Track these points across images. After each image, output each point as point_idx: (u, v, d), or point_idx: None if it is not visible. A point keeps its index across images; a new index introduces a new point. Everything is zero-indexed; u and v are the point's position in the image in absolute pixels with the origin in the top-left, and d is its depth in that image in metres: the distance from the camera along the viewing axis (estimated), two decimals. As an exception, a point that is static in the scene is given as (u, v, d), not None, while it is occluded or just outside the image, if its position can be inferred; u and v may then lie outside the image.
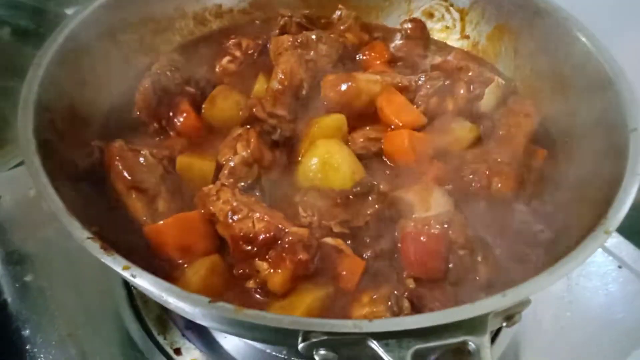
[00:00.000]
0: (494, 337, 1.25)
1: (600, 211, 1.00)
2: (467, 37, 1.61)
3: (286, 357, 1.20)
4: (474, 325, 0.80)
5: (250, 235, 0.99)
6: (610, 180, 1.06)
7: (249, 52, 1.53)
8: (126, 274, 0.82)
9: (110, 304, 1.29)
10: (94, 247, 0.85)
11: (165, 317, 1.24)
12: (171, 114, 1.29)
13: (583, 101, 1.29)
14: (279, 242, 0.98)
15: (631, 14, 1.59)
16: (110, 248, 0.86)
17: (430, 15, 1.65)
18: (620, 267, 1.40)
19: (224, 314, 0.78)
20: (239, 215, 1.01)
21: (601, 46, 1.27)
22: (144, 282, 0.81)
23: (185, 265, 1.03)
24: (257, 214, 1.01)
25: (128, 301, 1.28)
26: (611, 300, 1.35)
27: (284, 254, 0.96)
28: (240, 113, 1.27)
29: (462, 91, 1.37)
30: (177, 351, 1.20)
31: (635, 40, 1.52)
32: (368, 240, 1.09)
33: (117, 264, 0.83)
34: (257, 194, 1.17)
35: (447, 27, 1.63)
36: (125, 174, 1.10)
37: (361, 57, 1.54)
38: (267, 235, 0.98)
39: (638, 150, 1.04)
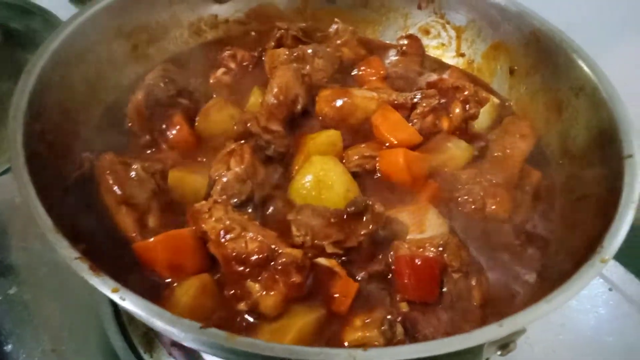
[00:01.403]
0: (485, 361, 1.24)
1: (596, 236, 1.00)
2: (463, 54, 1.60)
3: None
4: (469, 354, 0.79)
5: (243, 256, 0.97)
6: (605, 205, 1.06)
7: (244, 64, 1.52)
8: (115, 297, 0.80)
9: (95, 319, 1.26)
10: (83, 268, 0.83)
11: (151, 334, 1.22)
12: (164, 126, 1.26)
13: (578, 124, 1.29)
14: (272, 263, 0.96)
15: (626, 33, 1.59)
16: (99, 268, 0.84)
17: (427, 32, 1.64)
18: (610, 289, 1.40)
19: (215, 340, 0.76)
20: (232, 235, 0.99)
21: (598, 69, 1.27)
22: (133, 305, 0.79)
23: (175, 284, 1.01)
24: (250, 234, 1.00)
25: (114, 317, 1.25)
26: (602, 323, 1.35)
27: (277, 276, 0.94)
28: (235, 127, 1.25)
29: (457, 110, 1.37)
30: (164, 369, 1.17)
31: (627, 57, 1.53)
32: (361, 261, 1.07)
33: (106, 286, 0.81)
34: (250, 210, 1.15)
35: (443, 45, 1.63)
36: (116, 188, 1.08)
37: (357, 72, 1.53)
38: (260, 256, 0.96)
39: (633, 177, 1.04)
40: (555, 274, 1.08)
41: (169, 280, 1.02)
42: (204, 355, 1.22)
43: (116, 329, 1.23)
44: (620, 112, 1.17)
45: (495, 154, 1.27)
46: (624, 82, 1.27)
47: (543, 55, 1.41)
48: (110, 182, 1.08)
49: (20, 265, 1.36)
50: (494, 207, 1.19)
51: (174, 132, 1.26)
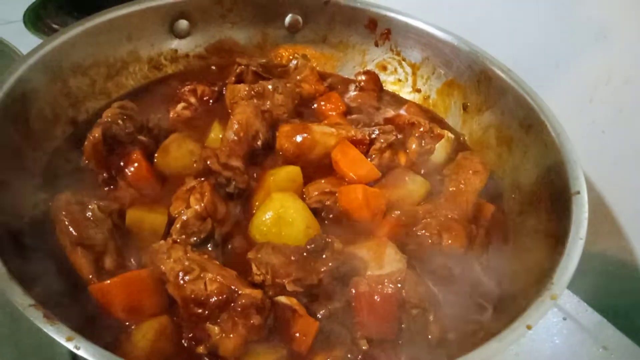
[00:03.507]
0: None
1: (547, 269, 1.04)
2: (419, 90, 1.66)
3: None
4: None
5: (202, 298, 0.97)
6: (555, 239, 1.11)
7: (205, 98, 1.53)
8: (69, 345, 0.78)
9: (49, 361, 1.22)
10: (37, 316, 0.81)
11: (109, 377, 1.19)
12: (122, 163, 1.25)
13: (528, 159, 1.35)
14: (232, 304, 0.96)
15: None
16: (53, 316, 0.82)
17: (384, 68, 1.69)
18: (564, 319, 1.44)
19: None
20: (190, 276, 0.99)
21: (545, 107, 1.33)
22: (88, 354, 0.77)
23: (133, 327, 0.99)
24: (210, 274, 0.99)
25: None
26: (557, 352, 1.38)
27: (236, 318, 0.94)
28: (195, 165, 1.25)
29: (414, 146, 1.41)
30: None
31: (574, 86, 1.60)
32: (321, 299, 1.08)
33: (61, 335, 0.79)
34: (210, 248, 1.15)
35: (400, 80, 1.68)
36: (71, 229, 1.06)
37: (317, 106, 1.56)
38: (220, 297, 0.96)
39: (580, 214, 1.09)
40: (510, 306, 1.12)
41: (127, 323, 1.00)
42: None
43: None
44: (567, 150, 1.22)
45: (450, 189, 1.30)
46: (569, 114, 1.34)
47: (494, 93, 1.47)
48: (66, 223, 1.06)
49: (-30, 306, 1.31)
50: (450, 241, 1.22)
51: (132, 169, 1.25)
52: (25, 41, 1.82)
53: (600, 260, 1.57)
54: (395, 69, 1.68)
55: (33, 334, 1.24)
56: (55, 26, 2.01)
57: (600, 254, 1.57)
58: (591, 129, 1.56)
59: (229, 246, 1.19)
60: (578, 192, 1.13)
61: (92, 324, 0.97)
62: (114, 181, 1.25)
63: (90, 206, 1.09)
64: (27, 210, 1.12)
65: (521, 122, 1.38)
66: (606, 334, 1.42)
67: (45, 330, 0.80)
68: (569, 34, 1.54)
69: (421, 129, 1.41)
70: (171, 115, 1.47)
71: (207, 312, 0.97)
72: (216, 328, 0.95)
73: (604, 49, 1.45)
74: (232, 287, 0.98)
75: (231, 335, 0.93)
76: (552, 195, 1.22)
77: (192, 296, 0.97)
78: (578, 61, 1.55)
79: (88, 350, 0.78)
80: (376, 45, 1.67)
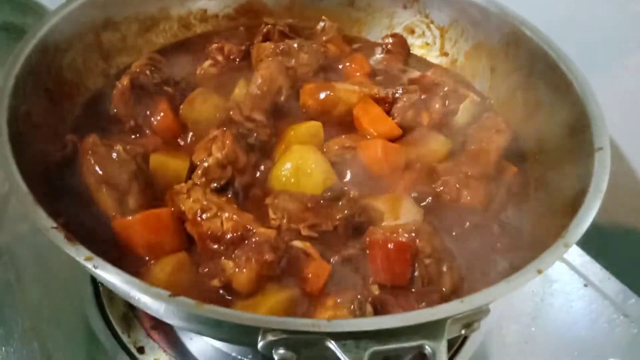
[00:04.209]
0: (458, 348, 1.26)
1: (565, 225, 1.02)
2: (447, 54, 1.64)
3: (251, 360, 1.21)
4: (431, 330, 0.81)
5: (218, 234, 0.99)
6: (575, 197, 1.09)
7: (231, 57, 1.55)
8: (88, 265, 0.82)
9: (76, 300, 1.28)
10: (58, 237, 0.85)
11: (130, 315, 1.24)
12: (148, 112, 1.29)
13: (554, 119, 1.32)
14: (246, 241, 0.99)
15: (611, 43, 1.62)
16: (75, 239, 0.85)
17: (412, 32, 1.68)
18: (586, 285, 1.42)
19: (184, 308, 0.78)
20: (208, 214, 1.02)
21: (573, 67, 1.30)
22: (106, 273, 0.81)
23: (152, 262, 1.03)
24: (226, 214, 1.02)
25: (94, 298, 1.27)
26: (575, 318, 1.37)
27: (250, 254, 0.96)
28: (217, 115, 1.28)
29: (437, 105, 1.40)
30: (141, 350, 1.19)
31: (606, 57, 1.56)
32: (336, 245, 1.10)
33: (80, 255, 0.83)
34: (229, 195, 1.17)
35: (427, 44, 1.67)
36: (97, 168, 1.10)
37: (341, 67, 1.56)
38: (235, 234, 0.99)
39: (602, 169, 1.07)
40: (525, 263, 1.11)
41: (147, 258, 1.04)
42: (182, 339, 1.24)
43: (96, 309, 1.25)
44: (592, 107, 1.19)
45: (472, 147, 1.30)
46: (599, 84, 1.31)
47: (522, 55, 1.43)
48: (92, 162, 1.10)
49: (5, 247, 1.38)
50: (468, 197, 1.21)
51: (158, 118, 1.28)
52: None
53: (624, 229, 1.54)
54: (423, 32, 1.66)
55: (60, 273, 1.31)
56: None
57: (624, 223, 1.54)
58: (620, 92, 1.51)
59: (248, 196, 1.21)
60: (601, 148, 1.11)
61: (113, 257, 1.01)
62: (140, 129, 1.29)
63: (115, 147, 1.12)
64: (56, 151, 1.17)
65: (549, 83, 1.35)
66: (628, 303, 1.39)
67: (65, 250, 0.84)
68: None
69: (445, 89, 1.40)
70: (198, 72, 1.49)
71: (222, 247, 0.99)
72: (230, 263, 0.97)
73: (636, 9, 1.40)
74: (247, 226, 1.00)
75: (244, 270, 0.96)
76: (576, 154, 1.19)
77: (209, 232, 1.00)
78: (610, 23, 1.51)
79: (105, 269, 0.81)
80: (404, 7, 1.66)
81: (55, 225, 0.87)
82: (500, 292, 0.85)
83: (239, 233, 0.99)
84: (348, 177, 1.25)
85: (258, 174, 1.25)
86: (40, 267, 1.34)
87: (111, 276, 0.81)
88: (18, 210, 1.40)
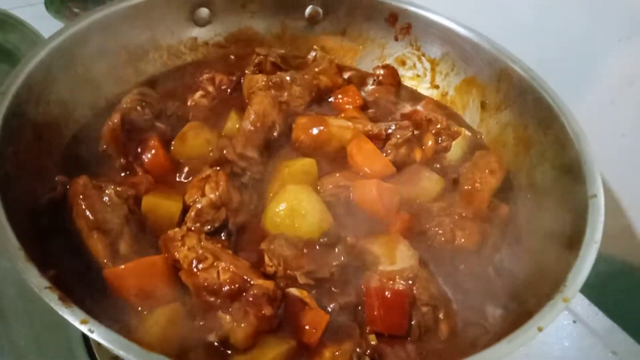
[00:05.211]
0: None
1: (559, 272, 1.03)
2: (437, 86, 1.64)
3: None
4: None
5: (215, 286, 0.98)
6: (569, 242, 1.10)
7: (222, 87, 1.53)
8: (84, 328, 0.80)
9: (63, 340, 1.24)
10: (52, 298, 0.83)
11: (120, 358, 1.20)
12: (139, 149, 1.26)
13: (545, 160, 1.33)
14: (244, 294, 0.97)
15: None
16: (68, 299, 0.83)
17: (403, 63, 1.68)
18: (575, 322, 1.43)
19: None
20: (204, 264, 1.00)
21: (565, 108, 1.31)
22: (102, 338, 0.79)
23: (145, 312, 1.01)
24: (223, 264, 1.00)
25: (82, 340, 1.24)
26: (566, 355, 1.38)
27: (248, 308, 0.95)
28: (211, 154, 1.26)
29: (430, 142, 1.41)
30: (130, 396, 1.16)
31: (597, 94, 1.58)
32: (332, 292, 1.09)
33: (76, 318, 0.81)
34: (223, 237, 1.16)
35: (418, 76, 1.67)
36: (88, 213, 1.07)
37: (334, 100, 1.56)
38: (232, 287, 0.97)
39: (596, 217, 1.08)
40: (520, 308, 1.12)
41: (140, 308, 1.02)
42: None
43: (84, 351, 1.22)
44: (585, 152, 1.21)
45: (466, 187, 1.30)
46: (590, 120, 1.33)
47: (513, 92, 1.45)
48: (83, 206, 1.07)
49: (-13, 284, 1.34)
50: (463, 239, 1.22)
51: (149, 155, 1.26)
52: (46, 23, 1.83)
53: (612, 264, 1.56)
54: (414, 64, 1.66)
55: (47, 313, 1.26)
56: (75, 10, 2.02)
57: (612, 257, 1.56)
58: (611, 131, 1.54)
59: (242, 237, 1.20)
60: (595, 196, 1.12)
61: (104, 307, 0.99)
62: (131, 167, 1.26)
63: (107, 191, 1.10)
64: (45, 192, 1.13)
65: (540, 122, 1.37)
66: (616, 339, 1.41)
67: (60, 312, 0.81)
68: (592, 35, 1.51)
69: (438, 126, 1.41)
70: (189, 103, 1.48)
71: (219, 300, 0.98)
72: (227, 317, 0.96)
73: (628, 50, 1.42)
74: (245, 277, 0.99)
75: (242, 325, 0.94)
76: (568, 197, 1.20)
77: (205, 284, 0.98)
78: (601, 62, 1.53)
79: (102, 334, 0.79)
80: (396, 39, 1.66)
81: (48, 284, 0.84)
82: (502, 352, 0.86)
83: (237, 285, 0.97)
84: (343, 217, 1.24)
85: (251, 213, 1.23)
86: (26, 306, 1.30)
87: (108, 342, 0.79)
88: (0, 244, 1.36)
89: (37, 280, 0.85)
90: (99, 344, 1.21)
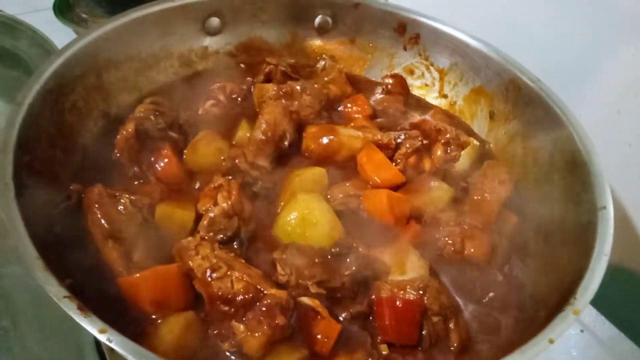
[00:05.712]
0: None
1: (569, 283, 1.04)
2: (445, 96, 1.66)
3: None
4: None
5: (229, 296, 0.99)
6: (579, 254, 1.11)
7: (233, 96, 1.55)
8: (102, 338, 0.81)
9: (75, 348, 1.25)
10: (71, 307, 0.84)
11: (132, 366, 1.22)
12: (152, 158, 1.28)
13: (554, 171, 1.34)
14: (257, 303, 0.98)
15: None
16: (86, 308, 0.84)
17: (411, 72, 1.69)
18: (582, 331, 1.44)
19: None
20: (218, 274, 1.01)
21: (573, 118, 1.32)
22: (120, 348, 0.80)
23: (159, 321, 1.02)
24: (236, 273, 1.01)
25: (94, 346, 1.25)
26: (573, 364, 1.39)
27: (261, 318, 0.96)
28: (223, 164, 1.27)
29: (439, 152, 1.42)
30: (143, 403, 1.17)
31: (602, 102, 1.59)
32: (344, 302, 1.10)
33: (94, 327, 0.82)
34: (236, 246, 1.17)
35: (427, 85, 1.68)
36: (103, 221, 1.09)
37: (343, 109, 1.57)
38: (246, 296, 0.98)
39: (606, 229, 1.09)
40: (529, 319, 1.13)
41: (154, 316, 1.03)
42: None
43: (96, 358, 1.23)
44: (594, 163, 1.22)
45: (475, 198, 1.31)
46: (596, 130, 1.34)
47: (522, 102, 1.46)
48: (98, 215, 1.09)
49: (0, 290, 1.35)
50: (472, 249, 1.23)
51: (162, 164, 1.27)
52: (55, 29, 1.86)
53: (620, 274, 1.57)
54: (423, 74, 1.68)
55: (59, 319, 1.28)
56: (84, 15, 2.04)
57: (620, 267, 1.56)
58: (618, 141, 1.55)
59: (254, 245, 1.21)
60: (604, 207, 1.12)
61: (119, 315, 1.00)
62: (144, 176, 1.27)
63: (122, 200, 1.11)
64: (60, 201, 1.15)
65: (548, 133, 1.38)
66: (623, 349, 1.41)
67: (79, 321, 0.83)
68: (598, 45, 1.53)
69: (447, 136, 1.42)
70: (200, 112, 1.49)
71: (233, 309, 0.99)
72: (241, 326, 0.97)
73: (634, 61, 1.43)
74: (258, 287, 1.00)
75: (256, 334, 0.95)
76: (578, 209, 1.21)
77: (219, 293, 0.99)
78: (607, 72, 1.54)
79: (120, 343, 0.80)
80: (404, 49, 1.68)
81: (67, 294, 0.85)
82: (513, 364, 0.86)
83: (250, 295, 0.98)
84: (353, 227, 1.25)
85: (262, 222, 1.25)
86: (38, 312, 1.31)
87: (126, 351, 0.80)
88: (9, 251, 1.37)
89: (55, 290, 0.86)
90: (111, 351, 1.23)
